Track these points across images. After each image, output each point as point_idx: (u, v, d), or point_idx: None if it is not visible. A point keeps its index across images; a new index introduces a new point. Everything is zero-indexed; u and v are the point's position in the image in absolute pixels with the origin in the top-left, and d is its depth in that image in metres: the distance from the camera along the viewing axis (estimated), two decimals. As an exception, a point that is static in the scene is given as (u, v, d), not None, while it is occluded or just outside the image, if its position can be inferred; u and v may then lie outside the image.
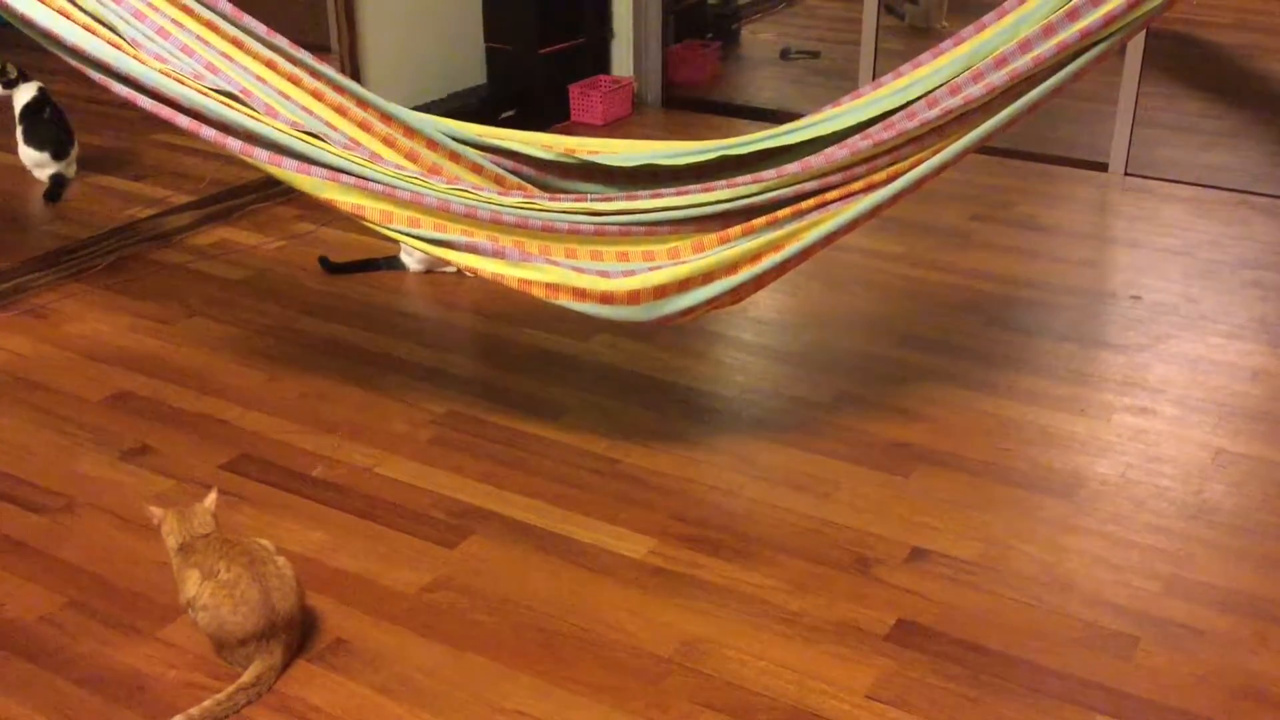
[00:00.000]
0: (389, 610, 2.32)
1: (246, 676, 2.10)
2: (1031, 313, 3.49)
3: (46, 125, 4.22)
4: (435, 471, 2.74)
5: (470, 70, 5.05)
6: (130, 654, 2.21)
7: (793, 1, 7.01)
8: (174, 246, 3.88)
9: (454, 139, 2.95)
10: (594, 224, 2.69)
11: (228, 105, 2.66)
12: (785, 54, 6.06)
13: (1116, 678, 2.16)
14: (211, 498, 2.26)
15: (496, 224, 2.66)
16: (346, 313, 3.47)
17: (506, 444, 2.85)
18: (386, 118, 2.92)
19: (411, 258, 3.69)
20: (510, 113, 4.88)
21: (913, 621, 2.29)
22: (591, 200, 2.77)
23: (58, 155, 4.24)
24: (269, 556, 2.18)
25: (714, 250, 2.65)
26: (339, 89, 2.90)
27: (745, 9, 6.49)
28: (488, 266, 2.65)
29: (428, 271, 3.69)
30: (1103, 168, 4.53)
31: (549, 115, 5.04)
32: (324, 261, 3.71)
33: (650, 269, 2.65)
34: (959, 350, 3.27)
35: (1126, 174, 4.50)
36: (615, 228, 2.69)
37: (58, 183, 4.22)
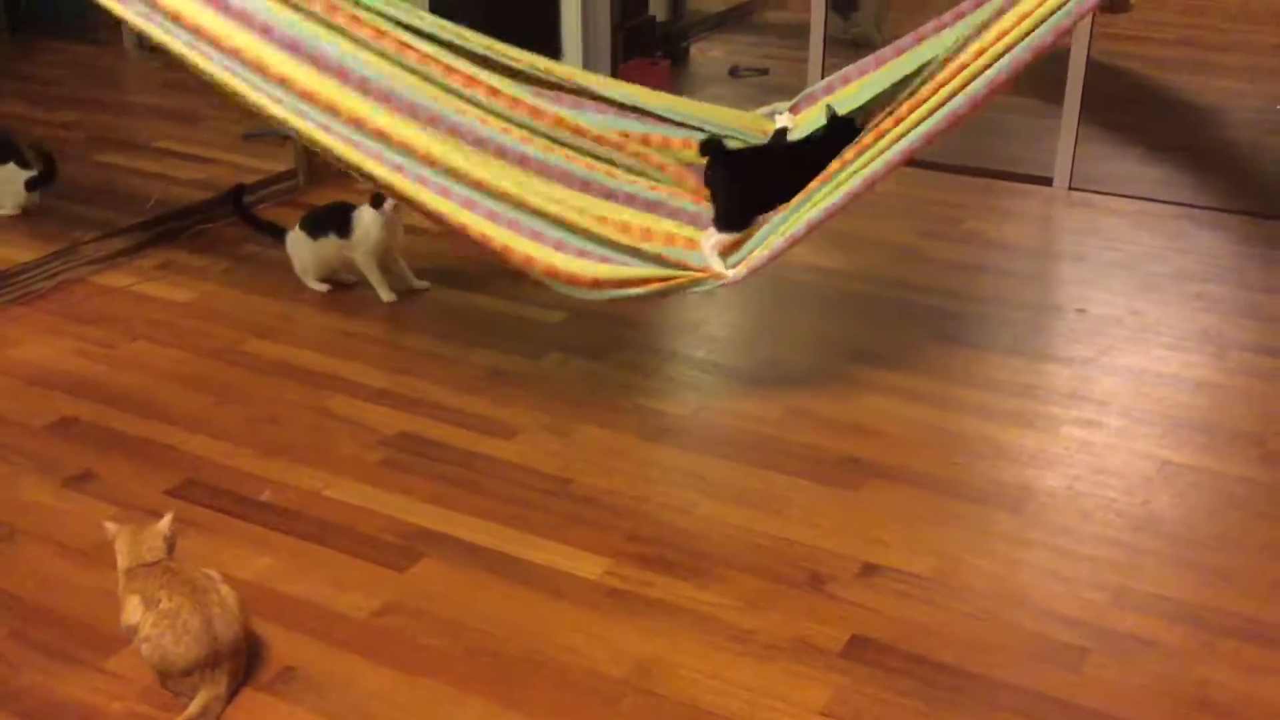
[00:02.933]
0: (338, 636, 2.30)
1: (193, 708, 2.07)
2: (979, 327, 3.52)
3: (-13, 147, 4.16)
4: (385, 494, 2.72)
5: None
6: (75, 685, 2.17)
7: (741, 20, 7.05)
8: (118, 269, 3.83)
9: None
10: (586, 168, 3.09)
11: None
12: (734, 72, 6.09)
13: (1068, 690, 2.17)
14: (166, 520, 2.22)
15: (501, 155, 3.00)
16: (294, 334, 3.44)
17: (457, 465, 2.83)
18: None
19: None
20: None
21: (866, 637, 2.29)
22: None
23: None
24: (211, 585, 2.14)
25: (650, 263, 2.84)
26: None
27: (694, 27, 6.51)
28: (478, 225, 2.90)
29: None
30: (1047, 182, 4.58)
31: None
32: (237, 193, 3.82)
33: (615, 260, 2.89)
34: (908, 365, 3.28)
35: (1071, 188, 4.55)
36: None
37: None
